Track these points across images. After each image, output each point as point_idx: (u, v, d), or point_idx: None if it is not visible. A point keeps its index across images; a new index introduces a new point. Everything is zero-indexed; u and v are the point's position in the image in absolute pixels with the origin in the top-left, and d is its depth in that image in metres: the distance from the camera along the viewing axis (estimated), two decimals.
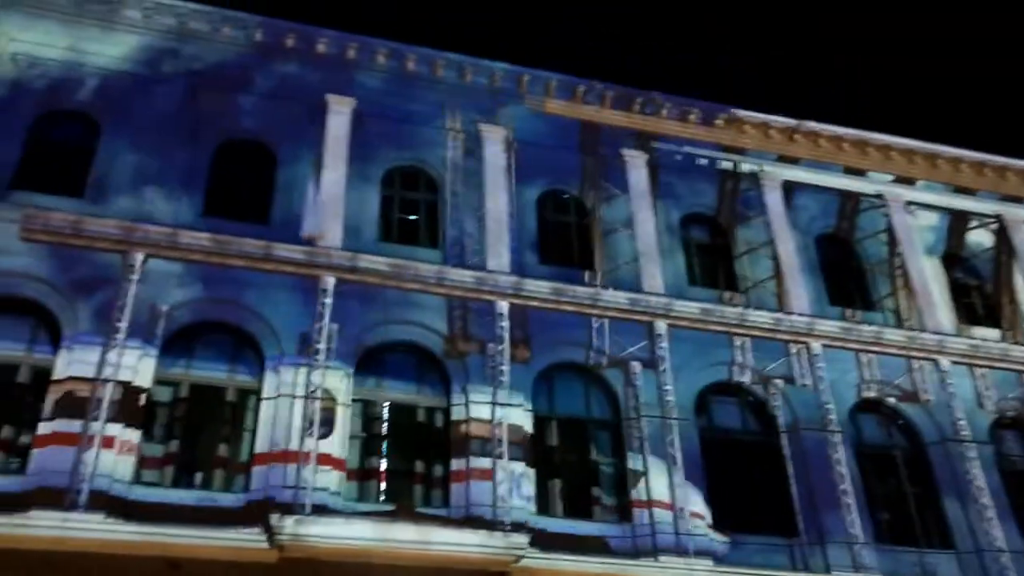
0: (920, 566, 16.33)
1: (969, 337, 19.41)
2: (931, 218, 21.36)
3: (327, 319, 15.37)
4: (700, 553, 15.09)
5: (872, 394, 18.19)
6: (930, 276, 20.24)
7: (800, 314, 18.31)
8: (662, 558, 14.86)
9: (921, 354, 18.57)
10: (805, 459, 16.80)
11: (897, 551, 16.45)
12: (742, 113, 20.56)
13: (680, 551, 15.01)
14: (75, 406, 13.93)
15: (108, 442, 13.74)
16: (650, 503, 15.55)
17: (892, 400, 18.24)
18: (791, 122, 20.70)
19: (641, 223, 18.80)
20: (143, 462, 14.22)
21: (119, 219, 15.54)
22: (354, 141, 17.87)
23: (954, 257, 21.29)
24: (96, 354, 14.34)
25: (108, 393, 14.02)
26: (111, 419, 13.89)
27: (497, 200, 18.09)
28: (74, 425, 13.76)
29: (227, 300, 15.65)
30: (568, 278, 17.67)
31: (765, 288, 18.95)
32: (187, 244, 15.60)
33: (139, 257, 15.21)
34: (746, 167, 20.23)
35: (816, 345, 17.93)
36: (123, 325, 14.58)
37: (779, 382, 17.54)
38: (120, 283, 14.92)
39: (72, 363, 14.35)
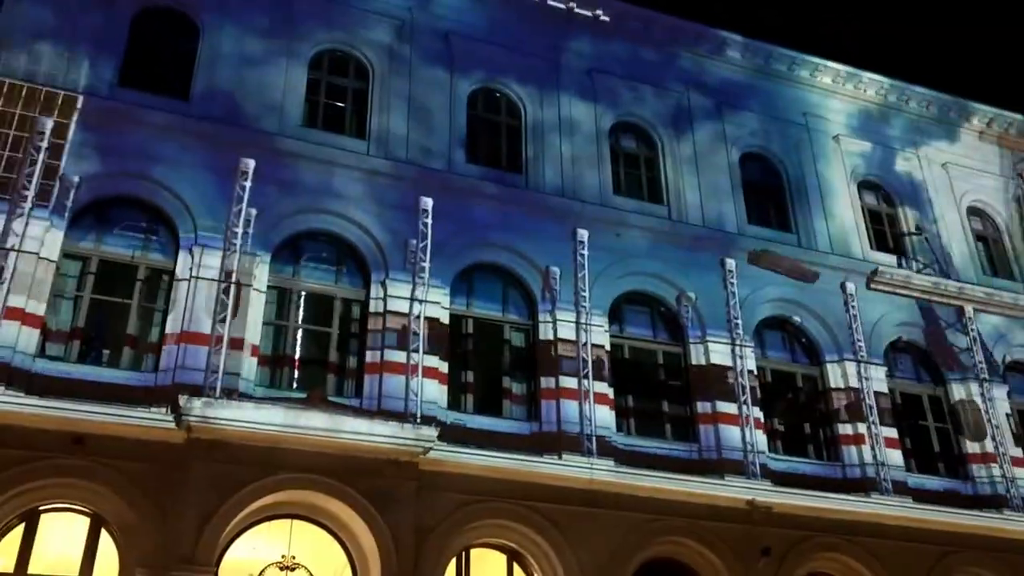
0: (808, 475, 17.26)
1: (876, 263, 20.13)
2: (858, 145, 21.77)
3: (245, 203, 15.01)
4: (603, 453, 15.60)
5: (779, 312, 18.78)
6: (846, 201, 20.79)
7: (721, 229, 18.75)
8: (566, 456, 15.34)
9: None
10: (705, 372, 17.35)
11: (792, 460, 17.40)
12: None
13: (584, 451, 15.48)
14: None
15: (12, 314, 13.35)
16: (559, 403, 15.93)
17: (797, 319, 18.87)
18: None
19: (574, 127, 18.82)
20: (48, 335, 13.90)
21: (29, 81, 14.81)
22: (281, 18, 17.28)
23: (872, 184, 21.84)
24: None
25: (12, 263, 13.56)
26: (15, 290, 13.46)
27: (429, 93, 17.91)
28: None
29: (142, 176, 15.13)
30: (495, 179, 17.63)
31: (689, 202, 19.16)
32: (103, 112, 15.06)
33: (49, 123, 14.52)
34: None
35: (730, 262, 18.36)
36: (30, 194, 14.01)
37: (692, 295, 17.91)
38: (27, 149, 14.29)
39: None
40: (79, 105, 14.84)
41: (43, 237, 14.00)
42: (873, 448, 17.46)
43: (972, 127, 23.56)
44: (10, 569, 12.58)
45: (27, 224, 13.86)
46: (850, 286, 19.04)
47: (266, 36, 17.11)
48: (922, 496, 17.57)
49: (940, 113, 23.19)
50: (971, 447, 18.78)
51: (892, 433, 18.10)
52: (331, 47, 17.89)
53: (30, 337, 13.48)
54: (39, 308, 13.71)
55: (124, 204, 15.11)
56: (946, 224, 21.67)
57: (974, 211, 22.66)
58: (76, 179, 14.49)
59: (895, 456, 17.81)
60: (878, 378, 18.55)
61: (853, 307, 18.77)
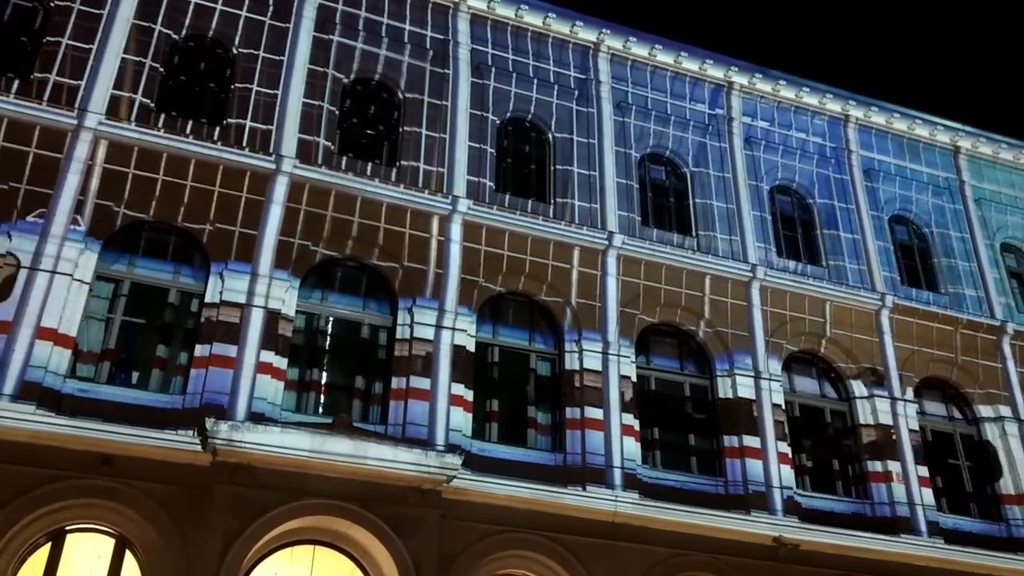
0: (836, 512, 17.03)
1: (907, 298, 19.93)
2: (887, 178, 21.65)
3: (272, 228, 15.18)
4: (628, 486, 15.48)
5: (806, 346, 18.61)
6: (876, 235, 20.61)
7: (746, 261, 18.70)
8: (590, 488, 15.23)
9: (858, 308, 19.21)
10: (736, 405, 17.18)
11: (820, 497, 17.14)
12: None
13: (608, 483, 15.37)
14: (6, 294, 13.63)
15: (44, 334, 13.52)
16: (583, 433, 15.83)
17: (823, 352, 18.69)
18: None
19: (601, 158, 18.87)
20: (79, 356, 14.05)
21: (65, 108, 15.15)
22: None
23: (903, 218, 21.67)
24: (32, 243, 14.02)
25: (44, 284, 13.78)
26: (46, 310, 13.65)
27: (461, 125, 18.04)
28: (6, 313, 13.50)
29: (174, 200, 15.32)
30: (523, 208, 17.70)
31: (716, 233, 19.09)
32: (139, 140, 15.33)
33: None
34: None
35: (756, 292, 18.34)
36: (64, 217, 14.28)
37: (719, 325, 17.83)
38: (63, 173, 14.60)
39: (7, 250, 13.92)
40: (118, 131, 15.17)
41: (77, 260, 14.21)
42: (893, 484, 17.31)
43: (1006, 162, 23.31)
44: None
45: (61, 247, 14.09)
46: (884, 321, 18.99)
47: None
48: (954, 537, 17.24)
49: (972, 147, 22.98)
50: (1005, 488, 18.43)
51: (923, 471, 17.80)
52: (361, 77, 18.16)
53: (61, 358, 13.64)
54: (72, 329, 13.89)
55: (156, 228, 15.27)
56: (979, 260, 21.40)
57: (1008, 248, 22.35)
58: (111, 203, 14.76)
59: (926, 495, 17.51)
60: (909, 415, 18.30)
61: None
